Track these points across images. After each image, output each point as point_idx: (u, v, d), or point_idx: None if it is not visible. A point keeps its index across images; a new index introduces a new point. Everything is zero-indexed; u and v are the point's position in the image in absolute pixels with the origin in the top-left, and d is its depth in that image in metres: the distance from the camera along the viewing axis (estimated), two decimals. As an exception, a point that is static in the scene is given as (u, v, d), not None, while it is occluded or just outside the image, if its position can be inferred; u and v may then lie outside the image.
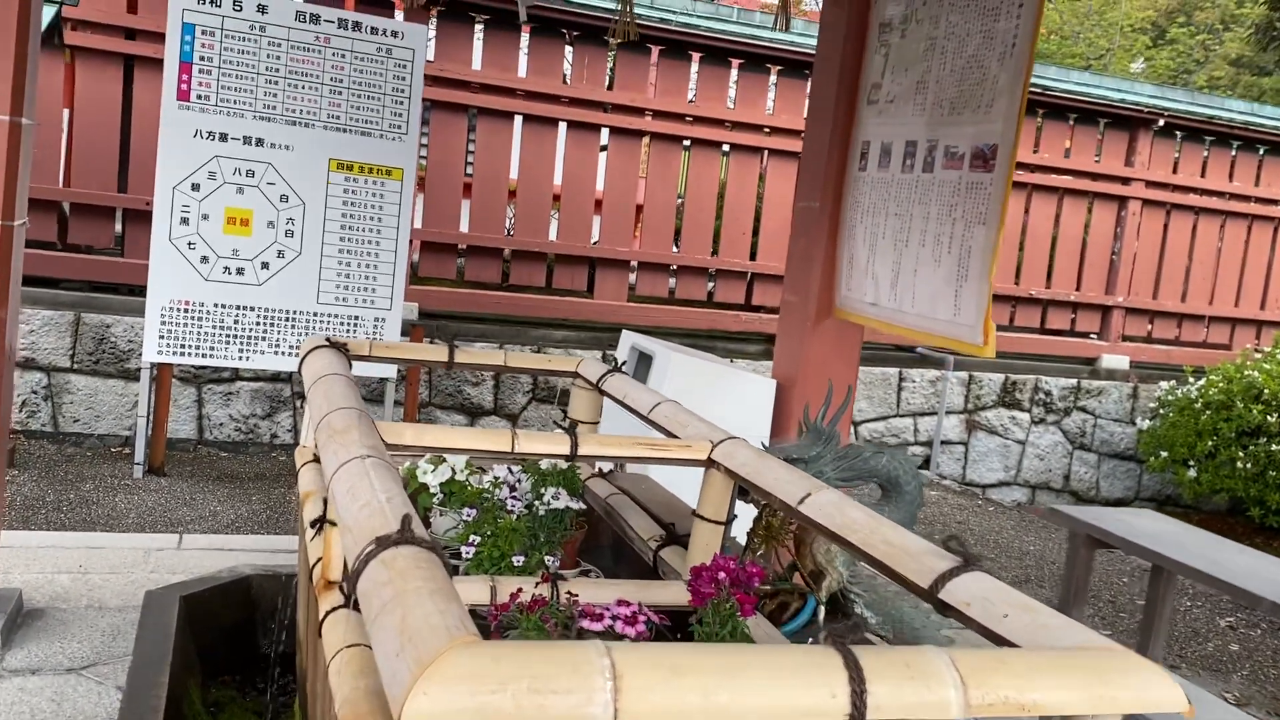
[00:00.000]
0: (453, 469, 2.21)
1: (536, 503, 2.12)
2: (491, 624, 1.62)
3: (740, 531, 2.08)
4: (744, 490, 1.90)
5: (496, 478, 2.18)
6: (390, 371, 5.10)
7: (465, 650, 0.81)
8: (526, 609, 1.58)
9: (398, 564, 0.98)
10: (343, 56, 4.77)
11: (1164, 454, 6.80)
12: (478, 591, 1.76)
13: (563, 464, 2.24)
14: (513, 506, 2.09)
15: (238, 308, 4.72)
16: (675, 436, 2.00)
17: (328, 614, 1.53)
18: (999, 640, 1.11)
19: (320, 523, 1.69)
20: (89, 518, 4.31)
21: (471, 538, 1.97)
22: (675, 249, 6.58)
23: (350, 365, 2.13)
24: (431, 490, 2.19)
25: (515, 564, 1.94)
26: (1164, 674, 0.99)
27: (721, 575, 1.65)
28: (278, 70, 4.68)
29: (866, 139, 3.37)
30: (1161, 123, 7.46)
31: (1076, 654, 1.00)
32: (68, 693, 2.66)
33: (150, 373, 4.83)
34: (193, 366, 5.36)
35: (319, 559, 1.70)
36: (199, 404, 5.50)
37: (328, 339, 2.18)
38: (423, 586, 0.93)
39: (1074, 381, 7.36)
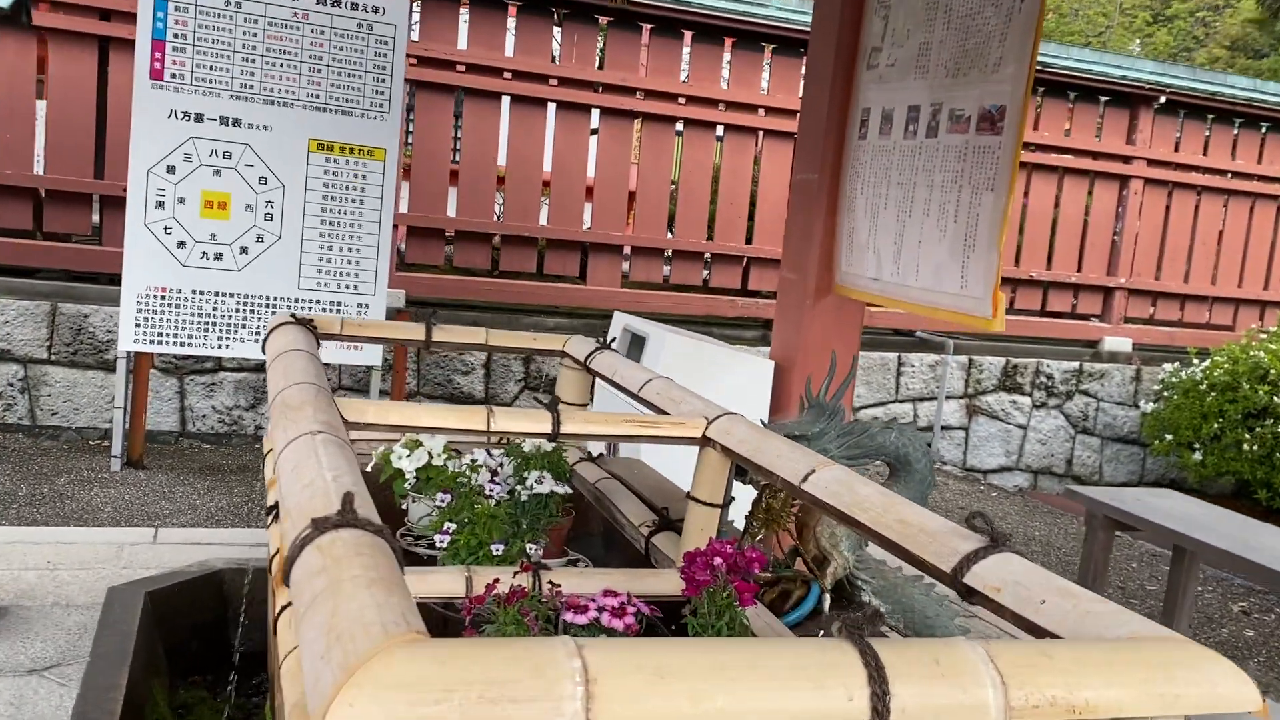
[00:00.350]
0: (430, 453, 2.07)
1: (519, 488, 1.98)
2: (465, 618, 1.48)
3: (738, 515, 1.94)
4: (742, 470, 1.77)
5: (474, 460, 2.04)
6: (375, 359, 4.94)
7: (404, 651, 0.67)
8: (504, 601, 1.44)
9: (335, 550, 0.84)
10: (322, 33, 4.61)
11: (1169, 437, 6.67)
12: (451, 583, 1.62)
13: (548, 446, 2.10)
14: (492, 491, 1.95)
15: (216, 294, 4.57)
16: (667, 414, 1.86)
17: (282, 609, 1.39)
18: (1036, 630, 0.97)
19: (276, 509, 1.55)
20: (62, 512, 4.16)
21: (446, 525, 1.83)
22: (670, 234, 6.43)
23: (318, 344, 1.99)
24: (406, 476, 2.05)
25: (495, 553, 1.80)
26: (1234, 668, 0.85)
27: (718, 561, 1.51)
28: (254, 48, 4.51)
29: (866, 106, 3.22)
30: (1163, 100, 7.30)
31: (1131, 646, 0.86)
32: (27, 695, 2.51)
33: (127, 363, 4.67)
34: (173, 356, 5.20)
35: (278, 549, 1.56)
36: (181, 395, 5.35)
37: (293, 315, 2.03)
38: (361, 575, 0.78)
39: (1076, 364, 7.22)
